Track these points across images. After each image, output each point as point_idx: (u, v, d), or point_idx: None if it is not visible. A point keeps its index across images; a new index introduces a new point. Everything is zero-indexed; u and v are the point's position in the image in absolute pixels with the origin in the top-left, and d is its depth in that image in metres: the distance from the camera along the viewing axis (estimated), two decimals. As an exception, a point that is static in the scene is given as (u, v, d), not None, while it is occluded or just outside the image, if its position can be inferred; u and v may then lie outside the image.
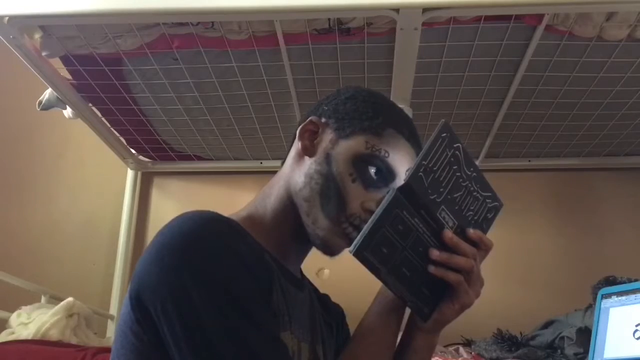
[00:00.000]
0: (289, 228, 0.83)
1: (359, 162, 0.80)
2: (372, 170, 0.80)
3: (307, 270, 0.92)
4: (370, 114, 0.83)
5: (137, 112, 1.74)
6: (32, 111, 1.70)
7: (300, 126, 0.85)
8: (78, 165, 2.15)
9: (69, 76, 1.57)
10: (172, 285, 0.65)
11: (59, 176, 2.14)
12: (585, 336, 1.39)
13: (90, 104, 1.71)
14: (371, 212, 0.76)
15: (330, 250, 0.81)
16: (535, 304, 1.77)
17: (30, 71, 1.47)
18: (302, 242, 0.84)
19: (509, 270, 1.89)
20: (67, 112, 1.69)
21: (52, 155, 2.16)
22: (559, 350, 1.45)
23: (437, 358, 1.37)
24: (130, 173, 2.08)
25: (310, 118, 0.85)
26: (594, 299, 1.41)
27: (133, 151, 2.02)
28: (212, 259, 0.66)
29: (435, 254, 0.73)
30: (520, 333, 1.55)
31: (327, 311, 0.92)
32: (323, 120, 0.84)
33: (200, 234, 0.68)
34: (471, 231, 0.77)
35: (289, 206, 0.83)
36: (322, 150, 0.82)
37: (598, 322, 1.32)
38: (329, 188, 0.80)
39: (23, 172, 2.15)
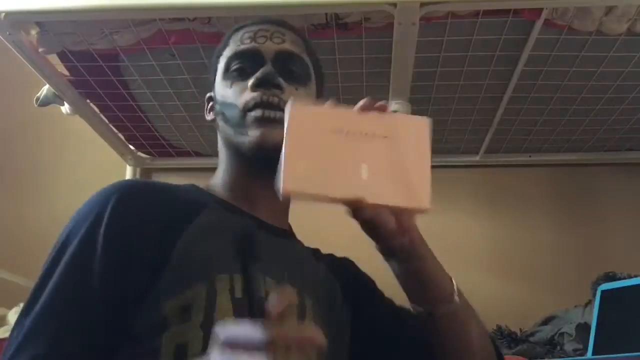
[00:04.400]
0: (244, 180, 0.87)
1: (225, 72, 0.88)
2: (238, 66, 0.87)
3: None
4: (219, 46, 0.94)
5: (135, 108, 1.73)
6: (30, 108, 1.70)
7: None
8: (77, 162, 2.14)
9: (66, 72, 1.57)
10: None
11: (58, 173, 2.13)
12: (585, 332, 1.38)
13: (87, 100, 1.71)
14: (254, 87, 0.83)
15: (256, 144, 0.82)
16: (535, 300, 1.76)
17: (27, 67, 1.47)
18: (264, 188, 0.83)
19: (509, 266, 1.89)
20: (65, 108, 1.68)
21: (51, 152, 2.16)
22: (558, 346, 1.45)
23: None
24: (129, 169, 2.08)
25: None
26: (594, 295, 1.41)
27: (132, 147, 2.02)
28: (81, 224, 0.74)
29: None
30: (520, 329, 1.55)
31: (333, 271, 0.91)
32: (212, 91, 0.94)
33: (95, 197, 0.77)
34: None
35: (233, 162, 0.89)
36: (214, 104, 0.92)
37: (597, 318, 1.32)
38: (222, 112, 0.87)
39: (21, 169, 2.15)
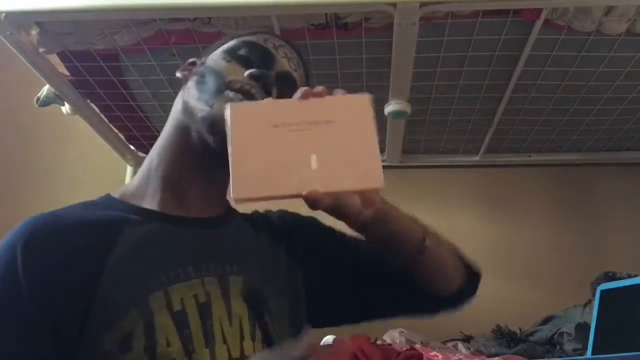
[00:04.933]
0: (182, 167, 0.83)
1: (230, 49, 0.86)
2: (245, 52, 0.85)
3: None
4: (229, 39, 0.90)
5: (135, 109, 1.74)
6: (30, 108, 1.70)
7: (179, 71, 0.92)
8: (77, 162, 2.15)
9: (66, 72, 1.57)
10: None
11: (58, 173, 2.14)
12: (584, 332, 1.39)
13: (88, 100, 1.71)
14: (252, 77, 0.81)
15: (215, 122, 0.78)
16: (535, 300, 1.77)
17: (27, 67, 1.47)
18: (200, 177, 0.84)
19: (508, 266, 1.89)
20: (65, 108, 1.69)
21: (51, 152, 2.16)
22: (557, 346, 1.45)
23: (435, 353, 1.37)
24: (129, 169, 2.07)
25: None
26: (593, 294, 1.41)
27: (132, 147, 2.02)
28: None
29: None
30: (520, 329, 1.55)
31: (274, 235, 0.91)
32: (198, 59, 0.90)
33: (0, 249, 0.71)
34: None
35: (177, 144, 0.85)
36: (199, 66, 0.88)
37: (597, 317, 1.32)
38: (204, 75, 0.84)
39: (22, 169, 2.15)
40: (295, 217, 0.95)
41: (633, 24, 1.33)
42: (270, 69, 0.84)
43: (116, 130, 1.89)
